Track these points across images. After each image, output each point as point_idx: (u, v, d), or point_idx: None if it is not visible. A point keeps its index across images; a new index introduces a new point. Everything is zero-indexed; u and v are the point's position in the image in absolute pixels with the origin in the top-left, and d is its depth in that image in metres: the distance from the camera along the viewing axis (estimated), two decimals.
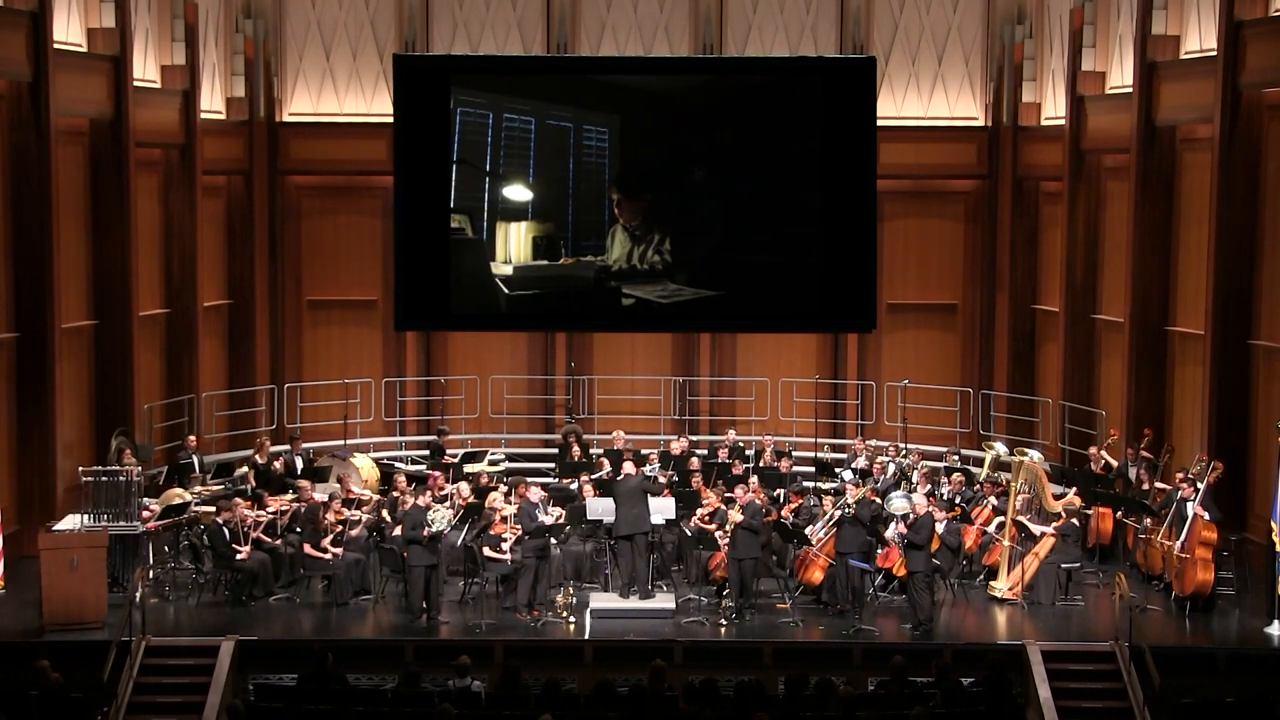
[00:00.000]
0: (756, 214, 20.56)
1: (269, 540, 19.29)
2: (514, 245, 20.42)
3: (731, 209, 20.55)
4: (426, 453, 24.47)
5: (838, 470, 22.11)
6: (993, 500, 20.37)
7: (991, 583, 19.51)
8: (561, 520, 19.38)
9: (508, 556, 18.49)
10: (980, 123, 26.74)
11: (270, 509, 19.86)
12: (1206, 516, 18.61)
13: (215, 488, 20.91)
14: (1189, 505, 18.78)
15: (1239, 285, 21.05)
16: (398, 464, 24.39)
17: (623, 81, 21.06)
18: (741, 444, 23.58)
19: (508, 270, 20.39)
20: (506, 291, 20.42)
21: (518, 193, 20.46)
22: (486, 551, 18.47)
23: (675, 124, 20.56)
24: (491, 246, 20.39)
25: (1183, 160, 22.76)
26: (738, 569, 18.46)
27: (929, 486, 20.51)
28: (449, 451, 23.42)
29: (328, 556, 19.08)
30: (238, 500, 19.47)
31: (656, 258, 20.32)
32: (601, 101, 20.46)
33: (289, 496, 20.36)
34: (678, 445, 22.74)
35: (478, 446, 24.63)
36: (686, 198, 20.52)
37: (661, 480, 19.83)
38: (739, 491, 19.13)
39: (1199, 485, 18.92)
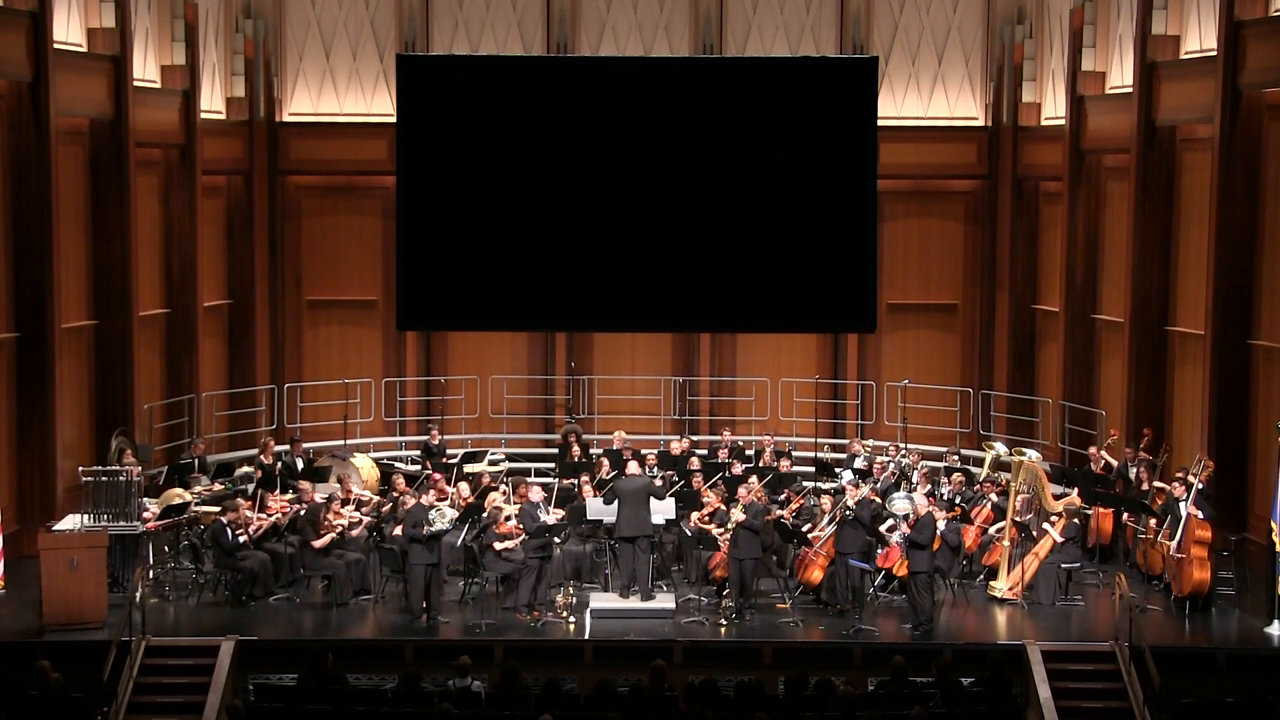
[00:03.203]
0: (757, 214, 20.56)
1: (269, 542, 19.31)
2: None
3: (732, 209, 20.55)
4: (418, 453, 24.47)
5: (838, 470, 22.10)
6: (992, 500, 20.37)
7: (991, 583, 19.51)
8: (563, 520, 19.37)
9: (520, 553, 18.47)
10: (980, 123, 26.73)
11: (271, 510, 19.86)
12: (1200, 515, 18.60)
13: (216, 488, 20.92)
14: (1182, 505, 18.78)
15: (1239, 285, 21.05)
16: (397, 464, 24.38)
17: (633, 81, 21.06)
18: (740, 444, 23.58)
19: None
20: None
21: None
22: (497, 545, 18.43)
23: (683, 124, 20.56)
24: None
25: (1183, 160, 22.75)
26: (738, 569, 18.45)
27: (929, 486, 20.52)
28: (437, 448, 23.44)
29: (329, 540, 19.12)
30: (239, 500, 19.50)
31: (667, 261, 20.36)
32: (613, 102, 20.50)
33: (289, 497, 20.37)
34: (678, 445, 22.75)
35: (478, 446, 24.63)
36: (698, 198, 20.53)
37: (660, 484, 19.74)
38: (741, 492, 19.12)
39: (1191, 483, 18.92)
